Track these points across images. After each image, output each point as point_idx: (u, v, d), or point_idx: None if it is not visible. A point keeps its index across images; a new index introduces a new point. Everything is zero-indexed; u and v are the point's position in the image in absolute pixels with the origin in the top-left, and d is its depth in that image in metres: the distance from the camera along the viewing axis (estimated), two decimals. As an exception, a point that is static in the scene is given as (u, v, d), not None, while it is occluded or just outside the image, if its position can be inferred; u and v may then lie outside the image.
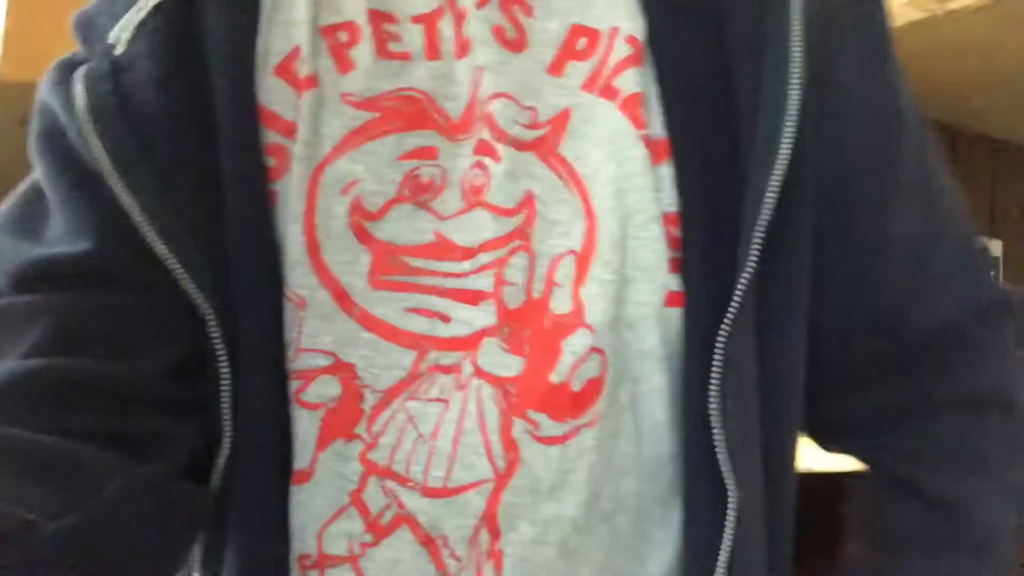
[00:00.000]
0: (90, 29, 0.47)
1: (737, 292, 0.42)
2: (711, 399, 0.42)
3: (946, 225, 0.50)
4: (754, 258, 0.42)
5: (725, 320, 0.42)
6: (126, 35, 0.44)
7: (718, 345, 0.42)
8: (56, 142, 0.45)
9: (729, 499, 0.42)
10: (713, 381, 0.42)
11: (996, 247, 2.62)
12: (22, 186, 0.48)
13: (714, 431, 0.42)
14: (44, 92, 0.47)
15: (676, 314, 0.44)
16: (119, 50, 0.44)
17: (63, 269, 0.42)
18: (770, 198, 0.42)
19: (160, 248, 0.42)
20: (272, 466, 0.44)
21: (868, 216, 0.48)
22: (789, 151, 0.42)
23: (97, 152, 0.42)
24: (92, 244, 0.43)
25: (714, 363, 0.42)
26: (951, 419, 0.50)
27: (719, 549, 0.42)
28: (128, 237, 0.42)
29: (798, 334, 0.46)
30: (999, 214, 2.69)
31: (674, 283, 0.44)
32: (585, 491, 0.43)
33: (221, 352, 0.43)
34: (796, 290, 0.45)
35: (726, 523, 0.42)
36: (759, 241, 0.42)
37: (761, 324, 0.44)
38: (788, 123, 0.42)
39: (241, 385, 0.43)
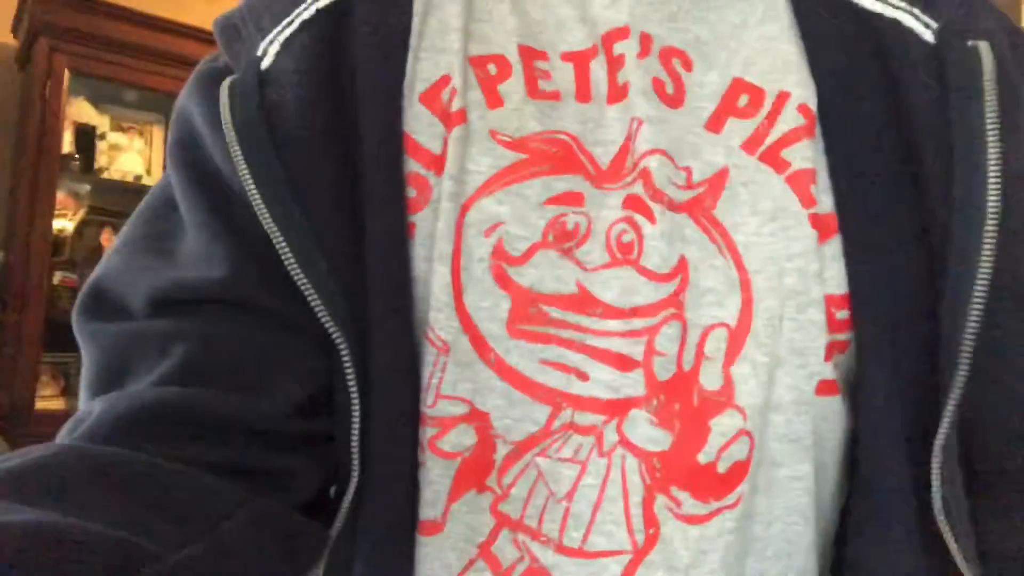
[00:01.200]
0: (235, 37, 0.46)
1: (951, 403, 0.39)
2: (940, 507, 0.40)
3: None
4: (964, 370, 0.39)
5: (940, 431, 0.40)
6: (274, 48, 0.44)
7: (936, 449, 0.40)
8: (194, 155, 0.44)
9: None
10: (936, 488, 0.40)
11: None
12: (149, 196, 0.47)
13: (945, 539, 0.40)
14: (184, 99, 0.45)
15: (829, 404, 0.42)
16: (265, 64, 0.43)
17: (198, 295, 0.41)
18: (977, 306, 0.39)
19: (295, 270, 0.40)
20: (397, 513, 0.43)
21: None
22: (992, 257, 0.39)
23: (241, 169, 0.41)
24: (228, 271, 0.41)
25: (933, 469, 0.40)
26: None
27: None
28: (264, 265, 0.41)
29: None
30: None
31: (828, 372, 0.42)
32: (720, 572, 0.42)
33: (353, 387, 0.41)
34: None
35: None
36: (968, 353, 0.39)
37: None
38: (990, 225, 0.39)
39: (371, 426, 0.42)
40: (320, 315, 0.41)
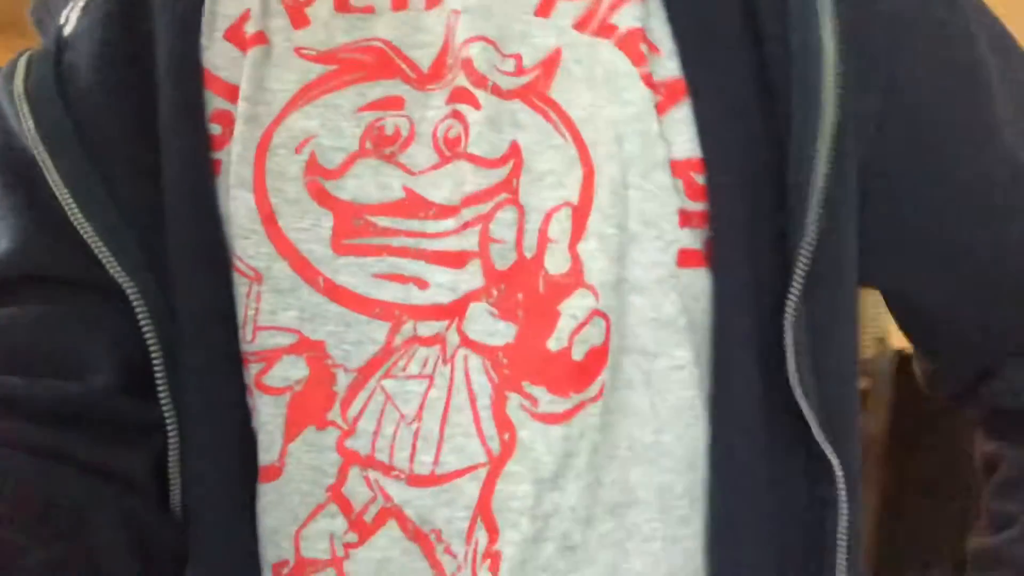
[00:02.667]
0: (45, 12, 0.46)
1: (800, 267, 0.38)
2: (792, 380, 0.38)
3: None
4: (813, 230, 0.38)
5: (790, 296, 0.38)
6: (75, 14, 0.43)
7: (786, 322, 0.38)
8: None
9: (838, 478, 0.39)
10: (791, 362, 0.38)
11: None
12: None
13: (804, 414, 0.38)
14: None
15: (696, 276, 0.39)
16: (67, 30, 0.43)
17: None
18: (821, 163, 0.38)
19: (80, 222, 0.39)
20: (230, 465, 0.40)
21: (960, 180, 0.43)
22: (834, 110, 0.38)
23: (27, 127, 0.40)
24: (16, 242, 0.41)
25: (786, 344, 0.38)
26: None
27: (832, 533, 0.40)
28: (59, 233, 0.40)
29: (848, 306, 0.42)
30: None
31: (687, 239, 0.39)
32: (586, 476, 0.38)
33: (152, 341, 0.39)
34: (846, 256, 0.41)
35: (839, 502, 0.40)
36: (817, 212, 0.38)
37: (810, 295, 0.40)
38: (826, 77, 0.38)
39: (186, 377, 0.39)
40: (108, 266, 0.39)
